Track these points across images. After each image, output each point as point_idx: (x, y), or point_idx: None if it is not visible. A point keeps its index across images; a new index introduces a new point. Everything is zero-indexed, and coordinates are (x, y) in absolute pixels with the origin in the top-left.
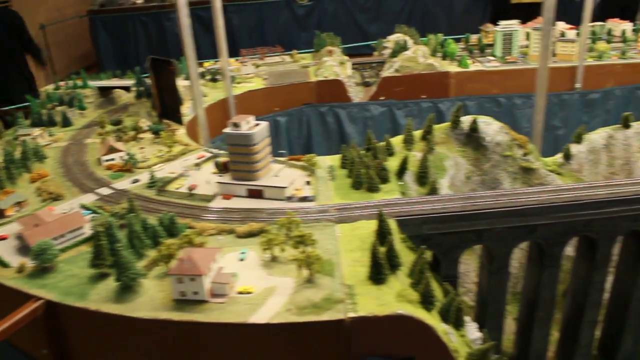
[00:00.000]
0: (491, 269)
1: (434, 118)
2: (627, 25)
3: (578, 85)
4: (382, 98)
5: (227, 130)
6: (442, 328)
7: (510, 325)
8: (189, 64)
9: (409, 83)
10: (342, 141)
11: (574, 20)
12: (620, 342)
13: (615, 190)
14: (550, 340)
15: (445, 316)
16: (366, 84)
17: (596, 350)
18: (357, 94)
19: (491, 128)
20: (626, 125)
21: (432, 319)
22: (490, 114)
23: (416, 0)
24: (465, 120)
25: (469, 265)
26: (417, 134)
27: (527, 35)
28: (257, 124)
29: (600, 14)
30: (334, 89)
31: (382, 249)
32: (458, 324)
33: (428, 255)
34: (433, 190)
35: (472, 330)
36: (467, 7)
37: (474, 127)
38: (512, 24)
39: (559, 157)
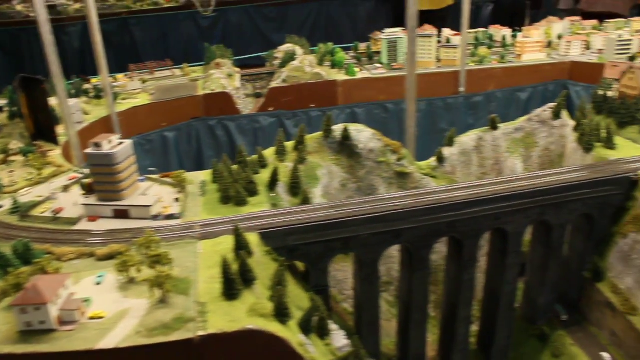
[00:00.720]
0: (361, 275)
1: (305, 128)
2: (507, 31)
3: (462, 89)
4: (271, 109)
5: (89, 150)
6: (298, 340)
7: (395, 329)
8: (55, 83)
9: (297, 93)
10: (233, 154)
11: (471, 26)
12: (495, 336)
13: (476, 191)
14: (427, 340)
15: (306, 327)
16: (258, 95)
17: (475, 345)
18: (247, 106)
19: (363, 135)
20: (494, 127)
21: (287, 331)
22: (379, 120)
23: (320, 9)
24: (337, 129)
25: (347, 272)
26: (290, 144)
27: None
28: (120, 143)
29: (492, 20)
30: (222, 102)
31: (236, 264)
32: (322, 333)
33: (300, 265)
34: (305, 201)
35: (339, 338)
36: (370, 15)
37: (346, 135)
38: (397, 32)
39: (432, 160)
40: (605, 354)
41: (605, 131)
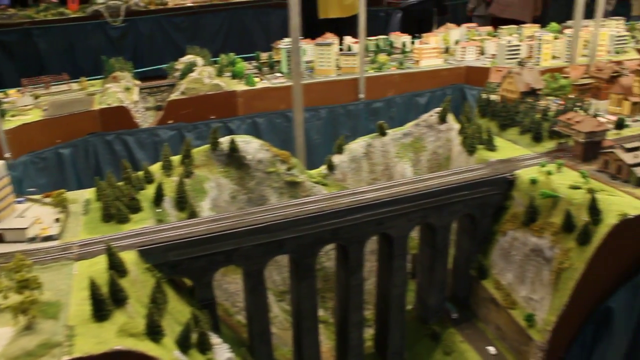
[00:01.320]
0: (248, 287)
1: (190, 142)
2: (407, 38)
3: (362, 95)
4: (170, 121)
5: None
6: (172, 357)
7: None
8: None
9: (196, 105)
10: (134, 168)
11: (381, 33)
12: (389, 338)
13: (359, 197)
14: (321, 347)
15: (184, 343)
16: (159, 108)
17: (373, 349)
18: (147, 119)
19: (251, 146)
20: (382, 133)
21: (160, 349)
22: (281, 129)
23: (233, 18)
24: (224, 141)
25: (239, 284)
26: (176, 159)
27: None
28: None
29: (401, 27)
30: (119, 116)
31: (106, 285)
32: (204, 348)
33: (187, 280)
34: (192, 215)
35: (222, 352)
36: (283, 23)
37: (233, 147)
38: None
39: (323, 168)
40: (490, 348)
41: (486, 133)
